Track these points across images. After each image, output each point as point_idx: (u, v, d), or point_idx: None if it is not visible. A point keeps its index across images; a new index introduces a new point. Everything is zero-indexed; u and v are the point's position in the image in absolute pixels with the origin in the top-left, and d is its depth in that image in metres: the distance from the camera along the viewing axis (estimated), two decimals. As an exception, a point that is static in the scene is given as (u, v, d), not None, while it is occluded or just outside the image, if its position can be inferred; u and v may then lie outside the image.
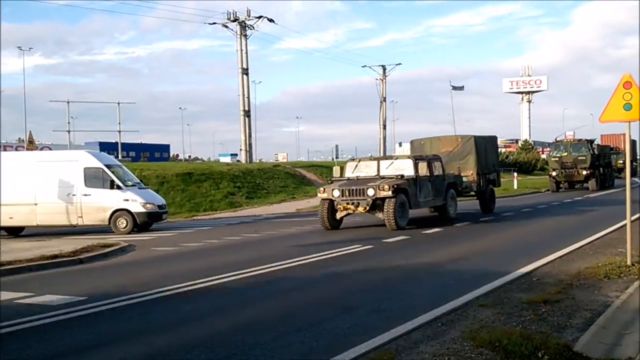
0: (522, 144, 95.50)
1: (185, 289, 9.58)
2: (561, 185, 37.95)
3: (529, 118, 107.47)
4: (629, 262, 9.75)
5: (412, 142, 24.06)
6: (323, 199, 17.89)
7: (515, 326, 6.58)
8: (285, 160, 78.49)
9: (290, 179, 39.38)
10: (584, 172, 35.67)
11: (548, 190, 38.07)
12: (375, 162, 18.76)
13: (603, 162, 39.37)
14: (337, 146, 35.33)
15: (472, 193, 22.50)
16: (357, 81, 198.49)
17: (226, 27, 45.73)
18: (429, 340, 6.28)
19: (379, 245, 14.17)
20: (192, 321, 7.63)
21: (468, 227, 18.30)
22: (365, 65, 60.92)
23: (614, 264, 9.70)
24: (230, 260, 12.78)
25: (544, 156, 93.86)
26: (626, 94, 9.81)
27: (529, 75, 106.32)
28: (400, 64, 63.96)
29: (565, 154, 36.71)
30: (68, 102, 76.78)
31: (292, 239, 16.09)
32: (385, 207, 16.80)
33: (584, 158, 35.98)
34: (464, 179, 21.12)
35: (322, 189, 18.41)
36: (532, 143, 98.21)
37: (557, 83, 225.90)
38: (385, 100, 62.10)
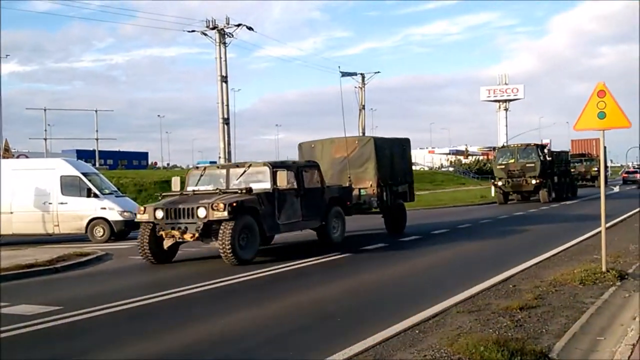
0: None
1: (162, 298, 9.52)
2: (511, 196, 34.19)
3: (506, 126, 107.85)
4: (603, 269, 9.87)
5: (300, 146, 18.98)
6: (143, 223, 13.34)
7: (493, 333, 6.63)
8: (264, 168, 78.20)
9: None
10: (533, 182, 31.65)
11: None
12: (225, 171, 14.48)
13: (558, 170, 35.39)
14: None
15: (375, 209, 17.95)
16: (336, 89, 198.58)
17: (205, 34, 45.42)
18: (406, 347, 6.30)
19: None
20: (169, 330, 7.57)
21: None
22: (344, 74, 61.04)
23: (589, 271, 9.81)
24: (206, 268, 12.72)
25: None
26: (600, 102, 9.94)
27: (505, 84, 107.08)
28: (379, 72, 64.10)
29: (512, 160, 32.59)
30: (45, 110, 76.03)
31: (273, 246, 16.03)
32: (220, 234, 12.44)
33: (532, 165, 31.92)
34: (362, 191, 17.11)
35: (142, 208, 13.69)
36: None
37: (533, 91, 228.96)
38: (364, 108, 62.22)
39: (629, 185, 56.71)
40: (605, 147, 11.96)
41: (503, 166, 32.78)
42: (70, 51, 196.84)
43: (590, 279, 9.40)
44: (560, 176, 35.49)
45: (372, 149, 17.40)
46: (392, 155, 18.51)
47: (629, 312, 7.64)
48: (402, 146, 19.59)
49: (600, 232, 10.51)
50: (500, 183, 32.85)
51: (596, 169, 52.72)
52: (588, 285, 9.17)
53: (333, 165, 17.55)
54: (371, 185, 17.19)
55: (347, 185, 16.56)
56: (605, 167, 49.22)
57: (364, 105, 62.55)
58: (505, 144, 35.92)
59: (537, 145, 33.61)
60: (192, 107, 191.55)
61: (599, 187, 11.10)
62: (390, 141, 19.00)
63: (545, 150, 34.59)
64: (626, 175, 65.30)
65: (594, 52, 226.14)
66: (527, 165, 31.93)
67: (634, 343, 5.83)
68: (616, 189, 49.37)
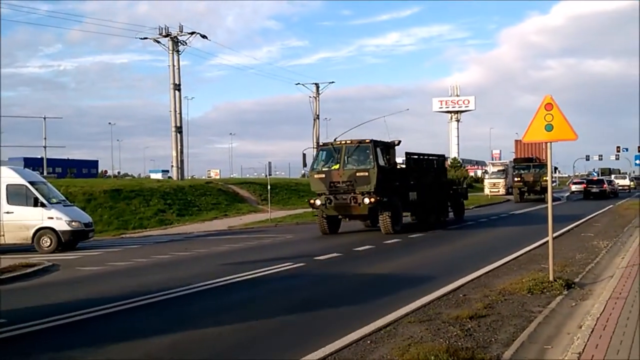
0: (451, 162, 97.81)
1: (110, 310, 9.32)
2: (345, 221, 22.78)
3: (458, 137, 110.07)
4: (551, 278, 10.07)
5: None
6: None
7: (443, 342, 6.68)
8: (218, 177, 77.67)
9: (223, 196, 39.00)
10: (366, 201, 20.10)
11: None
12: None
13: (421, 183, 23.54)
14: (270, 163, 34.86)
15: None
16: (290, 98, 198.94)
17: (158, 42, 45.14)
18: (358, 358, 6.30)
19: (311, 262, 14.13)
20: (121, 343, 7.39)
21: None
22: (298, 83, 61.32)
23: (537, 280, 9.99)
24: (158, 279, 12.53)
25: (472, 174, 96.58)
26: (547, 115, 10.18)
27: (457, 95, 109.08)
28: (333, 82, 64.70)
29: (336, 166, 20.78)
30: (-11, 116, 73.92)
31: (222, 257, 15.90)
32: None
33: (365, 175, 20.27)
34: None
35: None
36: (461, 161, 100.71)
37: (483, 103, 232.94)
38: (318, 118, 62.48)
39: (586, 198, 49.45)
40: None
41: (323, 175, 20.93)
42: (15, 56, 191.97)
43: (538, 288, 9.58)
44: (426, 192, 23.72)
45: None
46: None
47: (575, 321, 7.80)
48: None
49: (548, 241, 10.72)
50: (319, 202, 21.02)
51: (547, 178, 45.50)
52: (536, 294, 9.34)
53: None
54: None
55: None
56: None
57: (318, 115, 62.82)
58: (335, 140, 22.35)
59: (375, 143, 20.83)
60: (144, 115, 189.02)
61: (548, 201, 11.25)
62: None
63: (392, 151, 21.50)
64: (586, 185, 53.63)
65: (541, 64, 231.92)
66: (359, 175, 20.31)
67: (579, 352, 5.94)
68: (563, 200, 50.33)
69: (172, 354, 6.89)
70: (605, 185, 51.26)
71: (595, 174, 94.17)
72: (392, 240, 18.79)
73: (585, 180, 60.86)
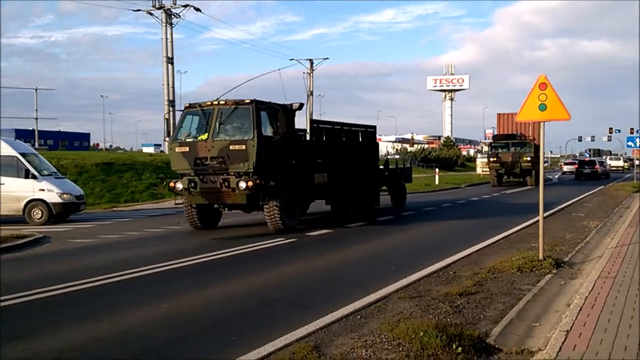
0: (444, 141, 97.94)
1: (101, 282, 9.33)
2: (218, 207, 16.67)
3: (451, 116, 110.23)
4: (540, 257, 10.14)
5: None
6: None
7: (432, 318, 6.73)
8: (210, 152, 77.49)
9: (215, 171, 38.83)
10: (242, 185, 14.60)
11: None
12: None
13: (340, 161, 18.04)
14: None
15: None
16: (284, 74, 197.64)
17: (151, 14, 44.65)
18: (348, 333, 6.34)
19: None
20: (105, 316, 7.40)
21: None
22: (292, 59, 60.96)
23: (527, 258, 10.06)
24: (148, 253, 12.55)
25: (464, 153, 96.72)
26: (541, 94, 10.17)
27: (451, 74, 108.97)
28: (327, 58, 64.51)
29: (204, 136, 15.22)
30: (-19, 87, 73.35)
31: (216, 232, 15.90)
32: None
33: (241, 149, 14.72)
34: None
35: None
36: (454, 140, 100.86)
37: (478, 82, 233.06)
38: (312, 94, 62.24)
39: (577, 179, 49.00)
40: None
41: (186, 149, 15.35)
42: (6, 27, 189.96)
43: (528, 267, 9.64)
44: (344, 173, 18.10)
45: None
46: None
47: (564, 299, 7.87)
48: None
49: (538, 220, 10.77)
50: (180, 185, 15.54)
51: (529, 158, 37.22)
52: (525, 272, 9.41)
53: None
54: None
55: None
56: (537, 157, 36.14)
57: (312, 91, 62.59)
58: (200, 103, 15.78)
59: (259, 105, 15.18)
60: (136, 88, 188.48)
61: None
62: None
63: (286, 117, 15.84)
64: (578, 166, 53.56)
65: (536, 44, 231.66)
66: (232, 148, 14.82)
67: (567, 329, 6.00)
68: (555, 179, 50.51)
69: (163, 324, 6.91)
70: (597, 166, 51.47)
71: (587, 155, 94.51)
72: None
73: (577, 161, 61.20)
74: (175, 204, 17.79)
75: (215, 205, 16.23)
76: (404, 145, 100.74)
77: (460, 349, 5.55)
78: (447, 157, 79.79)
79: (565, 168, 65.07)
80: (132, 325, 6.95)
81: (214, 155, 14.87)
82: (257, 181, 14.56)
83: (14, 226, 17.20)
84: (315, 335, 6.26)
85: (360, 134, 20.31)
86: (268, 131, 15.37)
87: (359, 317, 7.00)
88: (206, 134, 15.13)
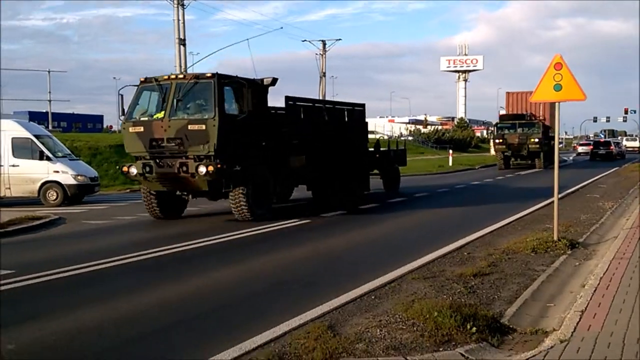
0: (458, 122, 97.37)
1: (116, 263, 9.40)
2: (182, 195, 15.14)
3: (465, 97, 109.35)
4: (555, 238, 10.09)
5: None
6: None
7: (447, 298, 6.73)
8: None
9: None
10: (202, 170, 13.12)
11: None
12: None
13: (321, 143, 16.47)
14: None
15: None
16: (295, 55, 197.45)
17: (163, -5, 44.45)
18: (362, 313, 6.36)
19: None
20: (121, 296, 7.47)
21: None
22: (305, 40, 60.53)
23: (541, 239, 10.01)
24: (163, 234, 12.63)
25: (478, 134, 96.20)
26: (557, 74, 10.06)
27: (465, 55, 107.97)
28: (340, 39, 64.18)
29: (160, 115, 13.69)
30: (-6, 69, 73.68)
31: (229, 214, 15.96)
32: None
33: (201, 129, 13.15)
34: None
35: None
36: (468, 121, 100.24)
37: (492, 63, 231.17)
38: (325, 76, 62.04)
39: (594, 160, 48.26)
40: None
41: (141, 128, 13.83)
42: (17, 9, 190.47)
43: (542, 248, 9.61)
44: (326, 156, 16.58)
45: None
46: None
47: (578, 280, 7.83)
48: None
49: (553, 202, 10.71)
50: (134, 170, 14.00)
51: (537, 139, 35.18)
52: (540, 253, 9.38)
53: None
54: None
55: None
56: (550, 138, 36.14)
57: (324, 73, 62.37)
58: (156, 77, 14.01)
59: (221, 79, 13.56)
60: (148, 70, 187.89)
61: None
62: None
63: (253, 93, 14.18)
64: (593, 147, 52.93)
65: (551, 24, 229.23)
66: (191, 128, 13.28)
67: (582, 310, 5.98)
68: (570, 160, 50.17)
69: (179, 304, 6.96)
70: (612, 147, 51.01)
71: (602, 136, 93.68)
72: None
73: (592, 142, 60.68)
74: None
75: (178, 192, 14.65)
76: (417, 126, 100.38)
77: (474, 329, 5.55)
78: (461, 138, 79.44)
79: (580, 149, 64.47)
80: (148, 305, 7.01)
81: (171, 136, 13.31)
82: (219, 165, 12.97)
83: (29, 208, 17.35)
84: (329, 315, 6.29)
85: (346, 112, 18.38)
86: (233, 109, 13.75)
87: (373, 297, 7.01)
88: (162, 112, 13.53)
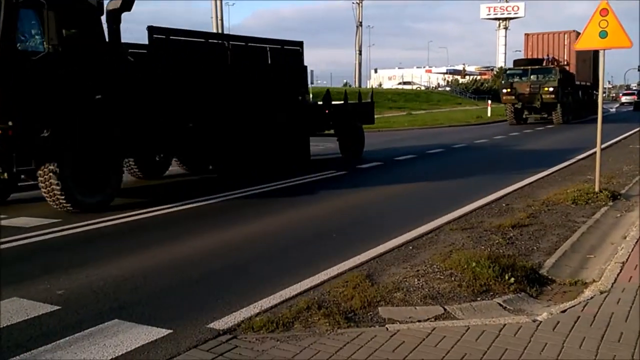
0: (497, 72, 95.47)
1: (162, 212, 9.59)
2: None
3: (505, 45, 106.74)
4: (596, 189, 9.96)
5: None
6: None
7: (485, 249, 6.75)
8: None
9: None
10: None
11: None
12: None
13: (218, 95, 12.46)
14: (312, 72, 34.59)
15: None
16: (331, 5, 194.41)
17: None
18: (400, 262, 6.42)
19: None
20: (165, 244, 7.64)
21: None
22: (340, -12, 59.55)
23: (582, 191, 9.90)
24: (211, 183, 12.79)
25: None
26: (602, 21, 9.76)
27: (506, 1, 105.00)
28: (376, -14, 62.76)
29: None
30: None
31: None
32: None
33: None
34: None
35: None
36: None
37: (533, 10, 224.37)
38: (361, 25, 61.14)
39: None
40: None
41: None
42: None
43: (583, 199, 9.50)
44: (222, 115, 12.67)
45: None
46: None
47: (620, 232, 7.75)
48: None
49: (595, 153, 10.53)
50: None
51: (552, 88, 29.96)
52: (580, 205, 9.29)
53: None
54: None
55: None
56: (576, 87, 33.64)
57: (360, 22, 61.42)
58: None
59: None
60: (185, 21, 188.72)
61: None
62: None
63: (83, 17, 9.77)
64: (638, 97, 52.83)
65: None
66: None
67: (623, 261, 5.94)
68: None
69: (223, 251, 7.10)
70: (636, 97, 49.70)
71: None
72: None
73: (636, 92, 59.04)
74: None
75: None
76: (455, 76, 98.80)
77: (512, 279, 5.56)
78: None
79: (624, 99, 62.85)
80: (194, 251, 7.16)
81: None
82: (10, 132, 8.59)
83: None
84: (367, 265, 6.36)
85: (269, 54, 13.97)
86: (35, 42, 9.13)
87: (410, 247, 7.06)
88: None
